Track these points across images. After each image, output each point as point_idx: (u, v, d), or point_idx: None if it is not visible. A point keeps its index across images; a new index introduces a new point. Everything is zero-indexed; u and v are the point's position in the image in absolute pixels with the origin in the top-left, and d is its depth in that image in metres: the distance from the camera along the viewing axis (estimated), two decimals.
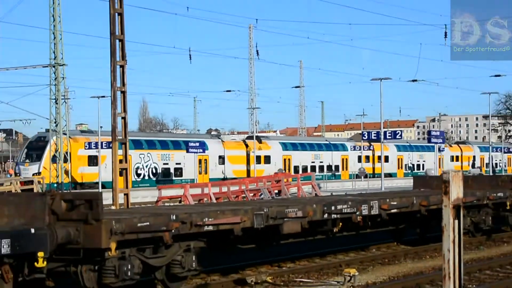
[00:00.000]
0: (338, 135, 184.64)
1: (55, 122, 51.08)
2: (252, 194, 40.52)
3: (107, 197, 23.65)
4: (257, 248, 17.66)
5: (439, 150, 72.56)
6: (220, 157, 64.26)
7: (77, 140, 55.00)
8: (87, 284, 12.50)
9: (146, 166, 59.00)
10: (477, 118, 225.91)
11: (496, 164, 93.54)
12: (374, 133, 55.97)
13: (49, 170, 51.25)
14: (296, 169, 70.90)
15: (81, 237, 12.00)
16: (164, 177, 60.13)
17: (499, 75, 66.22)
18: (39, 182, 45.75)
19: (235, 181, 47.17)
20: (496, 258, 20.30)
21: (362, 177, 66.87)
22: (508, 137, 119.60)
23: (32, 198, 12.29)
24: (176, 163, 61.55)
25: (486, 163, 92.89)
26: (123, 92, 25.06)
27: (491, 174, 70.37)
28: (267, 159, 69.23)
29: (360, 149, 74.12)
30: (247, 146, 68.40)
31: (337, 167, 76.22)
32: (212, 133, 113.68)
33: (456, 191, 10.05)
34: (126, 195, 25.44)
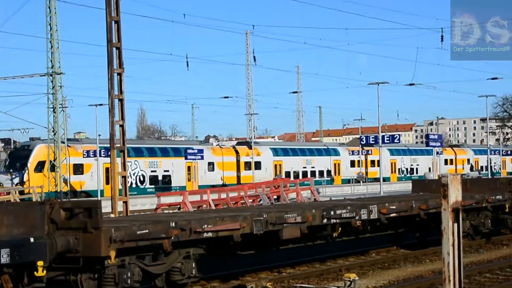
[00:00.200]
0: (336, 140, 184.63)
1: (53, 131, 51.04)
2: (251, 200, 40.50)
3: (106, 205, 23.63)
4: (256, 254, 17.66)
5: (437, 154, 72.61)
6: (209, 163, 63.23)
7: (61, 149, 53.46)
8: None
9: (134, 174, 57.61)
10: (474, 121, 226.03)
11: (490, 167, 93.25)
12: (372, 138, 55.95)
13: (48, 178, 51.13)
14: (287, 174, 69.78)
15: (80, 246, 11.99)
16: (151, 185, 59.07)
17: (496, 78, 66.21)
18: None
19: (234, 187, 47.14)
20: (495, 261, 20.31)
21: (361, 181, 66.81)
22: (506, 139, 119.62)
23: (31, 207, 12.29)
24: (164, 170, 60.40)
25: (481, 166, 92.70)
26: (121, 100, 25.06)
27: (489, 176, 70.31)
28: (258, 165, 67.95)
29: (357, 154, 74.04)
30: (237, 152, 67.45)
31: (329, 172, 75.12)
32: (210, 139, 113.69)
33: (455, 194, 10.07)
34: (125, 202, 25.43)
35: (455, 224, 10.04)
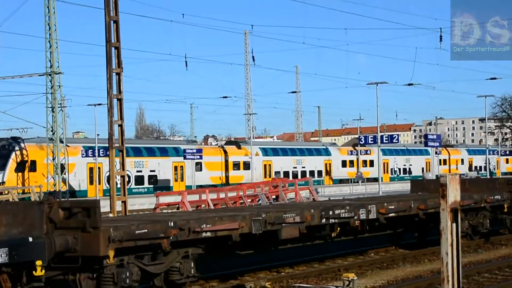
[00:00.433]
0: (335, 139, 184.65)
1: (51, 131, 51.00)
2: (249, 200, 40.49)
3: (104, 205, 23.64)
4: (255, 253, 17.66)
5: (436, 154, 72.55)
6: (197, 163, 61.78)
7: (45, 148, 52.60)
8: None
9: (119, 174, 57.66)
10: (473, 121, 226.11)
11: (484, 167, 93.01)
12: (371, 137, 55.99)
13: (46, 178, 51.08)
14: (277, 175, 68.99)
15: (79, 245, 11.99)
16: (137, 185, 58.05)
17: (495, 78, 66.20)
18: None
19: (233, 187, 47.11)
20: (494, 261, 20.31)
21: (360, 181, 66.74)
22: (504, 139, 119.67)
23: (29, 206, 12.27)
24: (151, 170, 59.34)
25: (475, 166, 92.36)
26: (120, 100, 25.04)
27: (488, 177, 70.33)
28: (247, 165, 67.13)
29: (355, 154, 73.95)
30: (225, 152, 66.42)
31: (320, 172, 74.13)
32: (209, 139, 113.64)
33: (454, 194, 10.07)
34: (124, 202, 25.42)
35: (454, 224, 10.04)
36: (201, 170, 62.80)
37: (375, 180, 73.89)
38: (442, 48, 46.57)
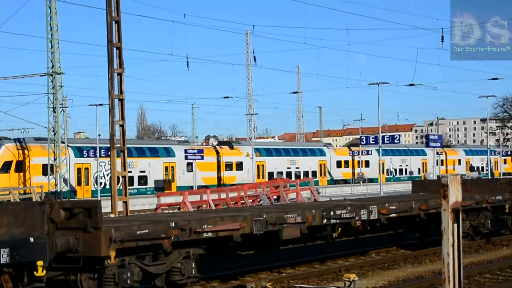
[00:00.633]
0: (336, 140, 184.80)
1: (53, 131, 51.01)
2: (251, 200, 40.49)
3: (106, 205, 23.64)
4: (256, 254, 17.66)
5: (437, 154, 72.49)
6: (188, 163, 60.69)
7: (31, 148, 52.10)
8: None
9: (108, 175, 54.06)
10: (474, 122, 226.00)
11: (482, 167, 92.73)
12: (372, 138, 56.00)
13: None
14: (270, 175, 68.18)
15: (80, 246, 11.99)
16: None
17: (496, 78, 66.16)
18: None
19: (234, 187, 47.08)
20: (495, 261, 20.31)
21: (361, 182, 66.70)
22: (506, 140, 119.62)
23: (31, 207, 12.28)
24: (140, 171, 58.13)
25: (472, 167, 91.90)
26: (121, 100, 25.05)
27: (489, 177, 70.26)
28: (239, 166, 66.14)
29: (358, 154, 73.74)
30: (217, 152, 65.21)
31: (314, 172, 72.92)
32: (211, 139, 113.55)
33: (455, 194, 10.07)
34: (125, 202, 25.43)
35: (455, 225, 10.04)
36: (192, 170, 61.79)
37: (371, 180, 73.73)
38: (443, 49, 46.58)
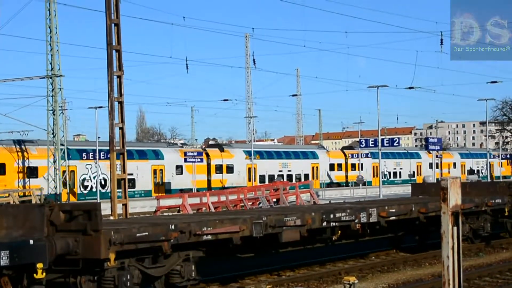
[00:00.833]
0: (335, 143, 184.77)
1: (52, 133, 51.01)
2: (250, 203, 40.49)
3: (105, 208, 23.63)
4: (256, 256, 17.65)
5: (436, 157, 72.43)
6: (177, 166, 60.46)
7: (14, 151, 51.31)
8: None
9: (94, 178, 54.55)
10: (474, 125, 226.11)
11: (478, 170, 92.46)
12: (372, 141, 56.03)
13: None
14: (262, 178, 67.44)
15: (80, 248, 11.99)
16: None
17: (495, 82, 66.26)
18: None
19: (234, 190, 47.05)
20: (495, 265, 20.30)
21: (360, 185, 66.69)
22: (505, 143, 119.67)
23: (30, 209, 12.28)
24: (128, 174, 57.90)
25: (471, 170, 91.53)
26: (121, 102, 25.04)
27: (489, 180, 70.27)
28: (230, 169, 65.34)
29: (358, 156, 73.66)
30: (207, 155, 64.40)
31: (306, 175, 71.69)
32: (210, 142, 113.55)
33: (455, 198, 10.07)
34: (125, 205, 25.41)
35: (455, 228, 10.04)
36: (182, 173, 61.30)
37: (364, 184, 73.29)
38: (442, 52, 46.64)
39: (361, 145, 60.51)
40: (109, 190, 54.12)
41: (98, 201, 40.95)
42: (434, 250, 21.26)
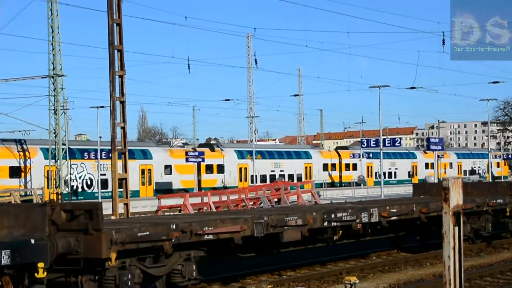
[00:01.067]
0: (337, 143, 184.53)
1: (54, 133, 51.05)
2: (251, 203, 40.49)
3: (106, 207, 23.66)
4: (257, 256, 17.65)
5: (438, 157, 72.37)
6: (166, 166, 59.56)
7: None
8: None
9: (80, 177, 53.94)
10: (475, 125, 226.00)
11: (475, 170, 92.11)
12: (373, 141, 55.97)
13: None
14: (253, 179, 66.36)
15: (81, 247, 11.99)
16: (101, 189, 54.30)
17: (497, 82, 66.22)
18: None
19: (235, 190, 47.02)
20: (496, 265, 20.30)
21: (362, 184, 66.59)
22: (506, 143, 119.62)
23: (32, 208, 12.28)
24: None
25: (464, 170, 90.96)
26: (122, 102, 25.06)
27: (490, 180, 70.22)
28: (220, 168, 64.15)
29: (358, 157, 73.43)
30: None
31: (299, 176, 70.61)
32: (212, 142, 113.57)
33: (456, 198, 10.06)
34: (126, 204, 25.43)
35: (456, 228, 10.03)
36: (171, 173, 60.43)
37: (358, 184, 72.66)
38: (444, 52, 46.61)
39: (363, 145, 60.40)
40: (95, 190, 54.00)
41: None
42: (435, 250, 21.26)
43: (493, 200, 23.11)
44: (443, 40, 46.19)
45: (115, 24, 24.78)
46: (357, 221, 17.83)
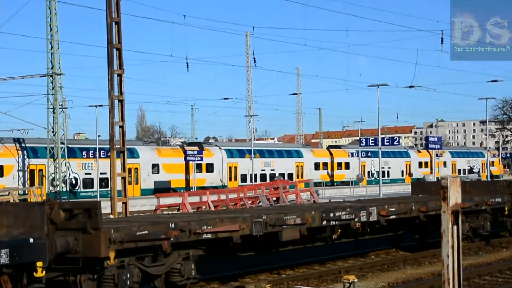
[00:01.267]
0: (336, 141, 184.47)
1: (52, 132, 51.04)
2: (250, 202, 40.49)
3: (105, 206, 23.62)
4: (256, 255, 17.65)
5: (436, 155, 72.37)
6: (154, 165, 58.52)
7: None
8: None
9: (64, 177, 52.39)
10: (474, 124, 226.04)
11: (470, 169, 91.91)
12: (372, 140, 56.00)
13: None
14: (243, 178, 65.65)
15: (80, 246, 11.99)
16: (85, 189, 53.89)
17: (496, 81, 66.24)
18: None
19: (234, 188, 47.00)
20: (495, 263, 20.30)
21: (360, 183, 66.57)
22: (505, 142, 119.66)
23: (30, 207, 12.28)
24: (101, 173, 53.78)
25: (458, 169, 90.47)
26: (121, 101, 25.04)
27: (488, 179, 70.24)
28: (210, 167, 63.01)
29: (357, 155, 73.37)
30: (186, 153, 61.65)
31: (290, 175, 69.35)
32: (210, 141, 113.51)
33: (455, 196, 10.08)
34: (125, 203, 25.42)
35: (455, 227, 10.05)
36: (158, 172, 59.55)
37: (351, 183, 72.05)
38: (443, 51, 46.61)
39: (361, 144, 60.45)
40: (80, 190, 53.00)
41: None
42: (434, 249, 21.25)
43: (492, 199, 23.12)
44: (442, 39, 46.20)
45: (113, 23, 24.77)
46: (356, 220, 17.84)
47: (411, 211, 19.88)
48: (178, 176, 61.12)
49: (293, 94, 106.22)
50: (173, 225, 13.43)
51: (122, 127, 25.39)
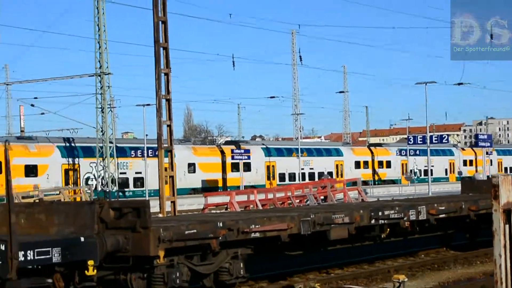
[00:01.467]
0: (383, 139, 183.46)
1: (101, 131, 51.63)
2: (298, 201, 40.45)
3: (154, 205, 23.83)
4: (304, 254, 17.61)
5: (487, 154, 71.37)
6: (190, 164, 58.30)
7: (12, 148, 47.76)
8: None
9: (99, 176, 52.59)
10: None
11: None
12: (420, 138, 55.54)
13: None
14: (282, 176, 65.03)
15: (129, 245, 12.07)
16: (121, 188, 53.44)
17: None
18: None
19: (281, 187, 46.99)
20: None
21: (409, 182, 65.88)
22: None
23: (81, 206, 12.41)
24: (136, 172, 54.93)
25: (505, 167, 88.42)
26: (168, 100, 25.21)
27: None
28: (247, 166, 61.77)
29: (403, 153, 72.50)
30: (222, 152, 61.75)
31: (330, 174, 67.06)
32: (257, 139, 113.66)
33: (506, 195, 9.93)
34: (173, 202, 25.60)
35: (507, 226, 9.90)
36: (194, 172, 59.42)
37: (393, 182, 71.11)
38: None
39: (409, 142, 59.95)
40: (114, 190, 52.51)
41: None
42: (485, 248, 20.93)
43: None
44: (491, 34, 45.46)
45: (160, 22, 24.95)
46: (405, 218, 17.69)
47: (461, 210, 19.64)
48: (215, 175, 60.72)
49: (340, 92, 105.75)
50: (221, 224, 13.46)
51: (169, 126, 25.56)
